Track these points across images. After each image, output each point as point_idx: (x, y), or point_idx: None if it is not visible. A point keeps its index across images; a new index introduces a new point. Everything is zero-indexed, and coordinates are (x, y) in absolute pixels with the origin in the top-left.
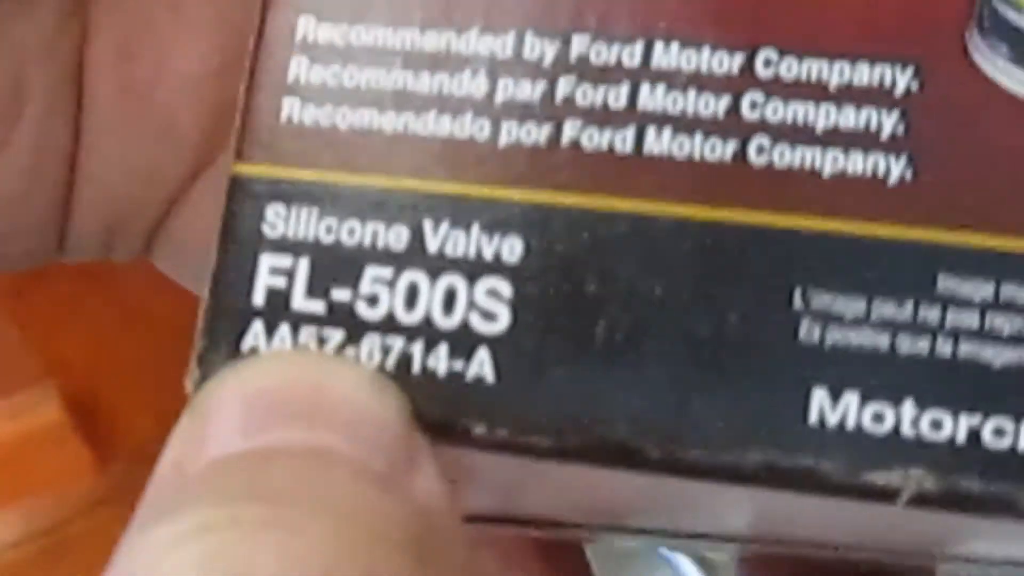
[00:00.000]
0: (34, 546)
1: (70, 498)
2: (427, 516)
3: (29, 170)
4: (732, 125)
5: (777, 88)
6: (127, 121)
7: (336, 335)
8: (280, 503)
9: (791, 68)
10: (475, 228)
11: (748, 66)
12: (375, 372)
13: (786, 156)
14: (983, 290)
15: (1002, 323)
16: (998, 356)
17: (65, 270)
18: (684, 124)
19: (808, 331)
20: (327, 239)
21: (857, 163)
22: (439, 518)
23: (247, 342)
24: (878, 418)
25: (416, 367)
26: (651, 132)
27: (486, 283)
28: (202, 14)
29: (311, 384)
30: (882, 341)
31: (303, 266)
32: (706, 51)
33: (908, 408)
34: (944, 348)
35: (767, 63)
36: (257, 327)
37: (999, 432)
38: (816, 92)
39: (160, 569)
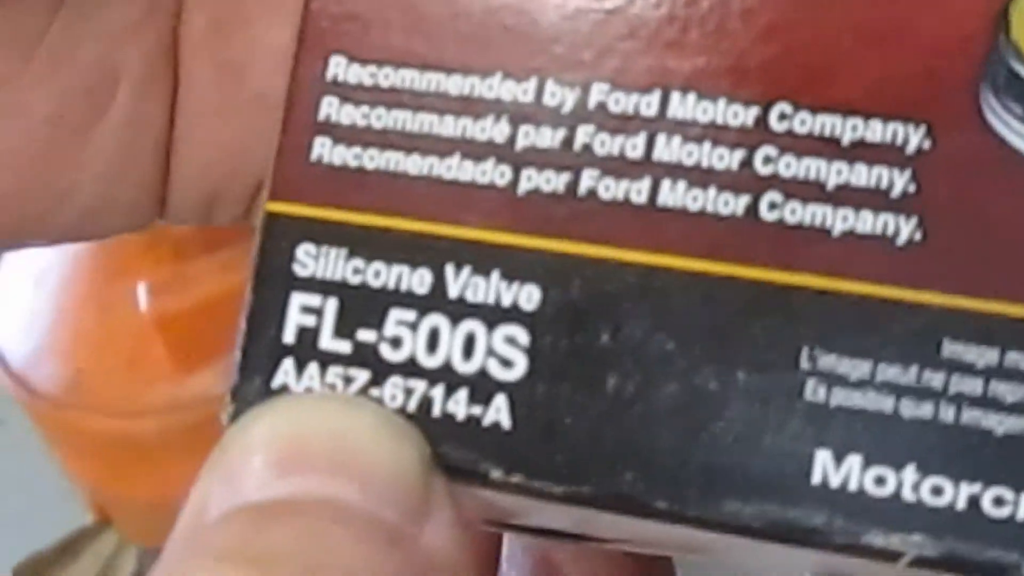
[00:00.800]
0: None
1: None
2: (434, 570)
3: (125, 144)
4: (745, 179)
5: (790, 143)
6: (222, 96)
7: (361, 376)
8: (280, 567)
9: (805, 123)
10: (495, 275)
11: (762, 119)
12: (396, 418)
13: (797, 213)
14: (987, 357)
15: (1005, 391)
16: (1000, 424)
17: None
18: (698, 177)
19: (814, 391)
20: (354, 280)
21: (867, 222)
22: (447, 569)
23: (278, 379)
24: (880, 481)
25: (436, 410)
26: (666, 184)
27: (504, 330)
28: None
29: (332, 431)
30: (886, 404)
31: (331, 306)
32: (721, 103)
33: (910, 473)
34: (947, 414)
35: (781, 117)
36: (287, 365)
37: (999, 501)
38: (829, 148)
39: None
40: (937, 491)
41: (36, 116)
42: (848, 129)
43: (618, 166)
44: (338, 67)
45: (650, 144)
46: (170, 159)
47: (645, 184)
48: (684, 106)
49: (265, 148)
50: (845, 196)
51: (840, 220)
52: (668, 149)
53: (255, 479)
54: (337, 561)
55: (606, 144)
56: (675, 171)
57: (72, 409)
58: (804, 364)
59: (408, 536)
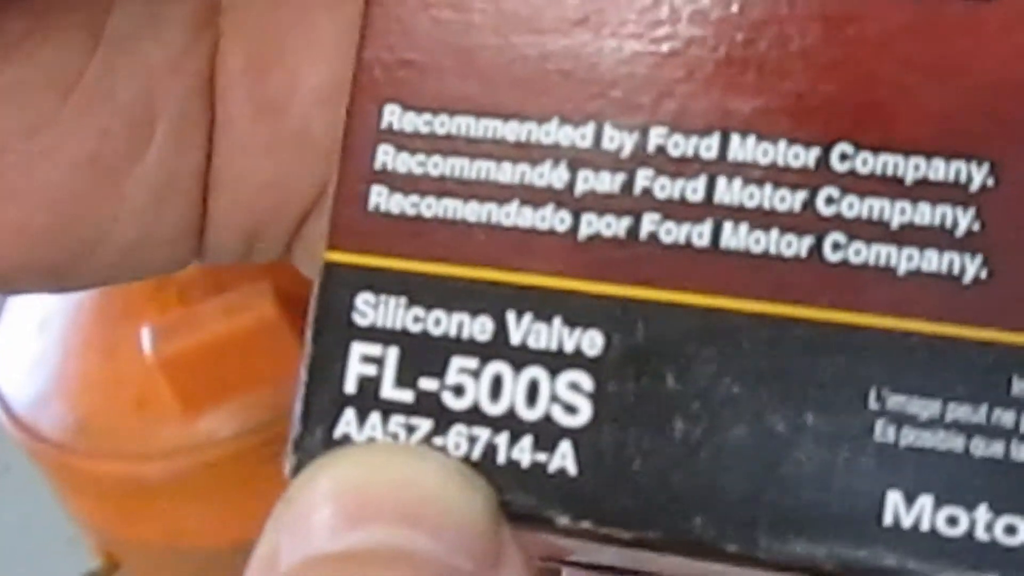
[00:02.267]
0: (250, 440)
1: (284, 393)
2: None
3: (163, 182)
4: (808, 220)
5: (852, 183)
6: (260, 134)
7: (424, 424)
8: None
9: (866, 163)
10: (557, 321)
11: (824, 160)
12: (462, 465)
13: (862, 253)
14: None
15: None
16: None
17: None
18: (760, 218)
19: (883, 431)
20: (415, 328)
21: (932, 261)
22: None
23: (340, 429)
24: (952, 521)
25: (501, 458)
26: (728, 227)
27: (568, 376)
28: (331, 28)
29: (400, 481)
30: (956, 444)
31: (392, 355)
32: (782, 144)
33: (982, 513)
34: (1019, 452)
35: (843, 157)
36: (349, 415)
37: None
38: (891, 188)
39: None
40: (1011, 530)
41: (74, 156)
42: (910, 168)
43: (679, 209)
44: (393, 115)
45: (711, 187)
46: (208, 197)
47: (707, 227)
48: (744, 148)
49: (306, 185)
50: (909, 235)
51: (905, 259)
52: (729, 191)
53: (326, 529)
54: None
55: (666, 188)
56: (737, 213)
57: (79, 454)
58: (873, 404)
59: None
